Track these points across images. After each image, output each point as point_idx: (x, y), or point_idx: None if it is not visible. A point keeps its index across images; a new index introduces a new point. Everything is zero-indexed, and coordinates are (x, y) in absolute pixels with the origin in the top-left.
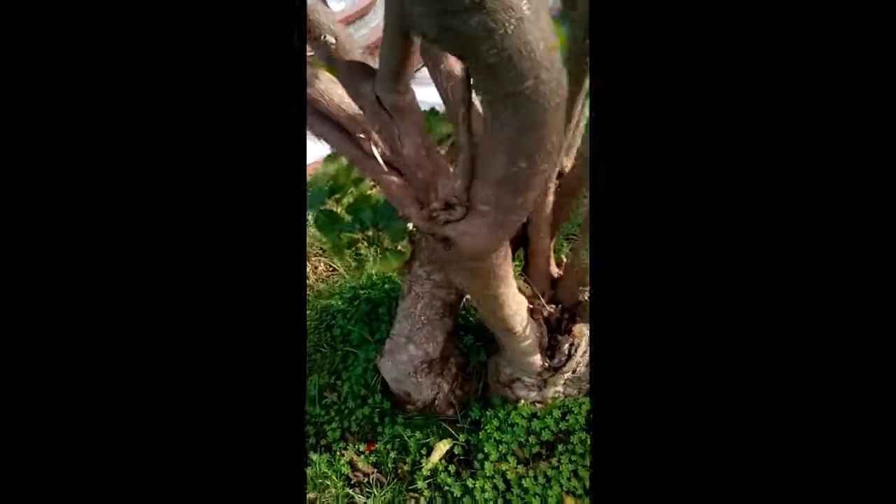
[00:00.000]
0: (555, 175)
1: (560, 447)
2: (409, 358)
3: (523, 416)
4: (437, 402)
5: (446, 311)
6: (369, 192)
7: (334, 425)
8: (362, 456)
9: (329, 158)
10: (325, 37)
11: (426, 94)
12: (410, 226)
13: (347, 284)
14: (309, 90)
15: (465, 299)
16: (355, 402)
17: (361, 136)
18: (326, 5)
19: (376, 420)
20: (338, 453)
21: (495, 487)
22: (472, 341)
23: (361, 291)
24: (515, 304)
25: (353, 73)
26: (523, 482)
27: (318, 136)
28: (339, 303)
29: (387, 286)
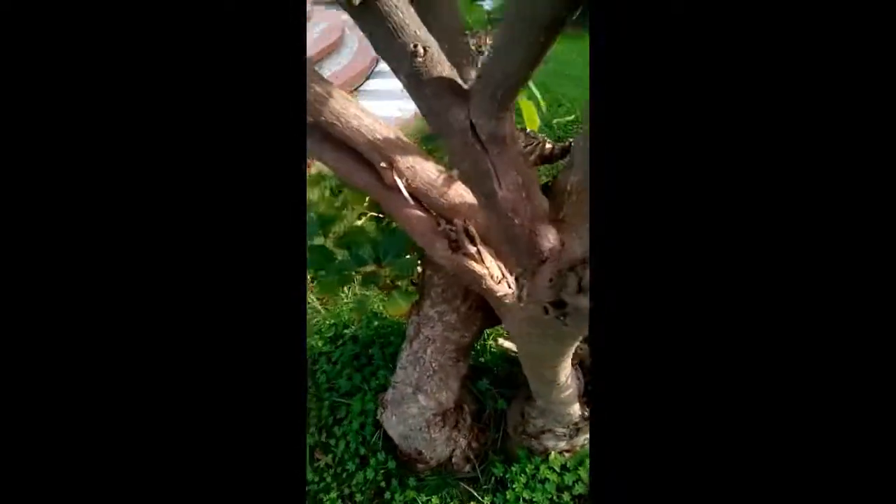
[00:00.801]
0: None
1: None
2: (419, 410)
3: (554, 470)
4: (453, 458)
5: (460, 356)
6: (359, 222)
7: (332, 494)
8: None
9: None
10: (412, 47)
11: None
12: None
13: (327, 321)
14: (321, 110)
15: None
16: (354, 463)
17: (383, 166)
18: (412, 8)
19: (382, 483)
20: None
21: None
22: (488, 386)
23: (345, 330)
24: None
25: (441, 94)
26: None
27: (329, 163)
28: (321, 343)
29: (375, 323)
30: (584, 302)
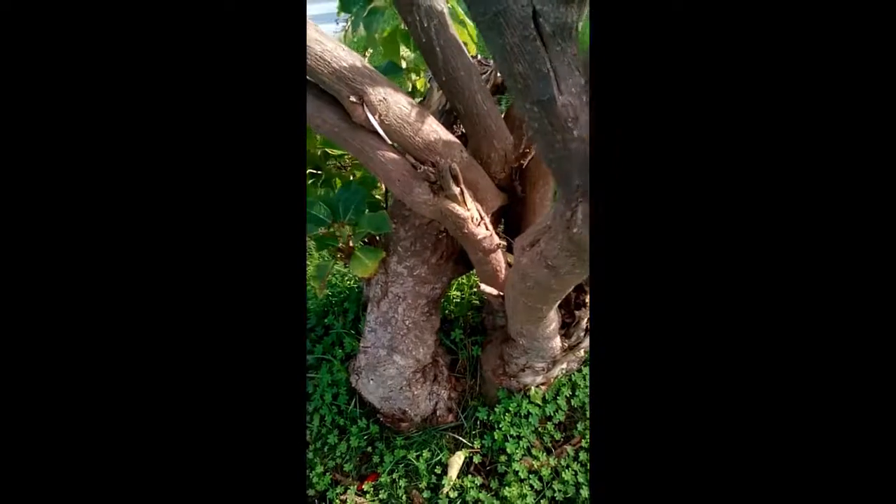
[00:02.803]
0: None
1: (579, 425)
2: (397, 371)
3: (537, 404)
4: (437, 411)
5: (432, 309)
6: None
7: (318, 469)
8: (367, 495)
9: None
10: None
11: None
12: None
13: (323, 292)
14: None
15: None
16: (334, 435)
17: (353, 100)
18: None
19: (368, 449)
20: (335, 501)
21: (532, 488)
22: (461, 336)
23: None
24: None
25: None
26: (563, 475)
27: None
28: None
29: (326, 292)
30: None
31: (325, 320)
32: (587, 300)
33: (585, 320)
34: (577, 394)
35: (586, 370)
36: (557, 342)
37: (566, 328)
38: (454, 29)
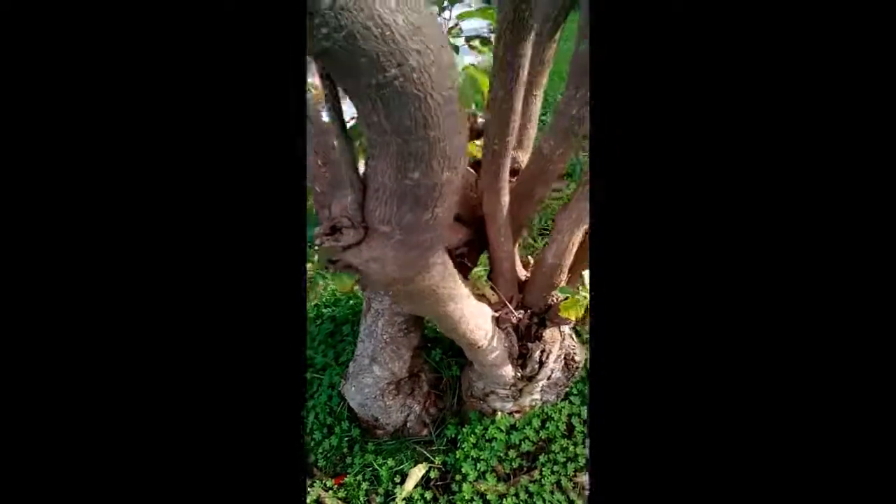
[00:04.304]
0: (506, 175)
1: (542, 457)
2: (374, 380)
3: (501, 430)
4: (408, 424)
5: (410, 327)
6: None
7: None
8: (330, 491)
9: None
10: None
11: None
12: None
13: (310, 303)
14: None
15: None
16: (321, 432)
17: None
18: None
19: (345, 450)
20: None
21: None
22: (442, 355)
23: (325, 310)
24: (474, 319)
25: None
26: (504, 502)
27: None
28: None
29: (351, 302)
30: (353, 259)
31: (344, 327)
32: (543, 333)
33: (538, 352)
34: (547, 426)
35: (562, 403)
36: (509, 370)
37: (523, 359)
38: None
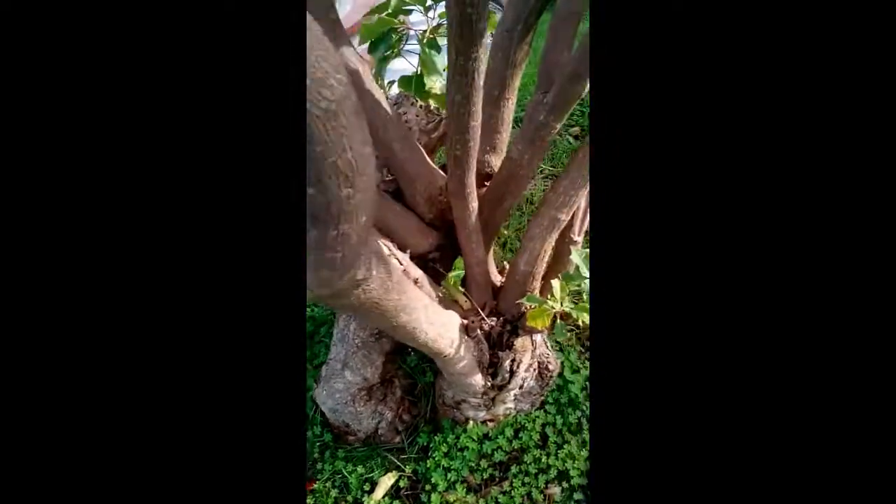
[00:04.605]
0: (471, 180)
1: (514, 468)
2: (345, 385)
3: (473, 439)
4: (380, 430)
5: (382, 332)
6: None
7: None
8: None
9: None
10: None
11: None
12: None
13: None
14: None
15: None
16: None
17: None
18: None
19: (316, 455)
20: None
21: None
22: (417, 361)
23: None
24: (435, 328)
25: None
26: None
27: None
28: None
29: None
30: None
31: (321, 330)
32: (514, 341)
33: (508, 361)
34: (520, 436)
35: (536, 413)
36: (479, 379)
37: (493, 367)
38: (372, 84)
